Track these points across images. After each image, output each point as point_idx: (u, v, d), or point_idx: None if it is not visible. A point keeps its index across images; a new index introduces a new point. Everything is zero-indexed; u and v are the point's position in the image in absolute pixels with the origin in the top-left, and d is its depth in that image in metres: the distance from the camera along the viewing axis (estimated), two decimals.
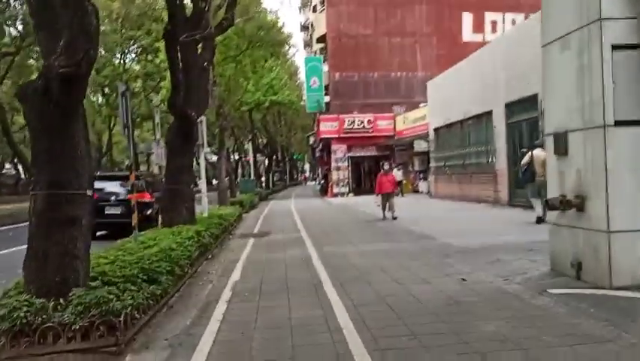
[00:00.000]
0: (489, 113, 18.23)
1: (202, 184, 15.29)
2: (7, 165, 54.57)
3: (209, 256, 9.72)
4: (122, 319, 4.29)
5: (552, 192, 6.35)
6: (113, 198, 14.32)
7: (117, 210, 14.07)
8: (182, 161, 11.33)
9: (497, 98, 17.41)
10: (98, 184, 14.94)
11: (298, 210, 22.00)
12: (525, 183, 12.75)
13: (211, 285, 7.11)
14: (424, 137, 26.25)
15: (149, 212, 14.45)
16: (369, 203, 23.49)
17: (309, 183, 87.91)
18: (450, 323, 4.65)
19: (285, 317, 5.18)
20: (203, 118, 14.63)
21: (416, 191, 29.39)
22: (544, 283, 5.83)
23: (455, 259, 7.83)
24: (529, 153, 12.04)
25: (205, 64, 12.77)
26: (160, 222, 11.57)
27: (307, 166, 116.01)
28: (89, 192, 4.93)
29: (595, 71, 5.53)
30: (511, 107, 16.67)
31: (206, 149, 15.08)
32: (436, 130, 24.37)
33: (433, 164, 24.62)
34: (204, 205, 14.77)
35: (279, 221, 17.14)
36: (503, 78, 16.96)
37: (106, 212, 13.99)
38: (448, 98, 22.42)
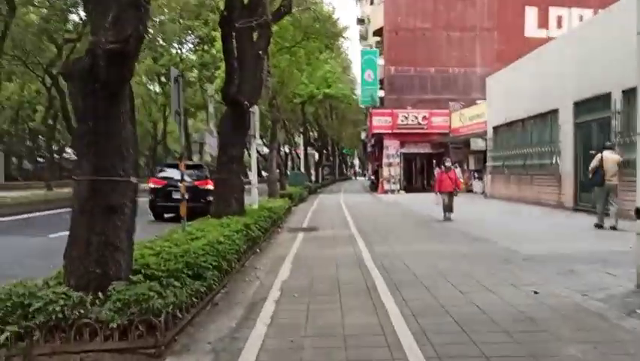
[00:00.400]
0: (555, 112, 17.19)
1: (253, 176, 15.05)
2: (68, 150, 56.60)
3: (258, 250, 9.40)
4: (162, 318, 3.95)
5: None
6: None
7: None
8: (233, 151, 11.06)
9: (565, 96, 16.37)
10: (167, 171, 16.70)
11: (348, 205, 21.55)
12: (592, 186, 12.03)
13: (258, 282, 6.76)
14: (482, 135, 25.23)
15: (211, 198, 14.92)
16: (422, 201, 22.98)
17: (358, 178, 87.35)
18: (525, 344, 4.08)
19: (338, 324, 4.73)
20: (255, 108, 14.38)
21: (470, 191, 28.34)
22: (631, 303, 5.14)
23: (520, 267, 7.19)
24: (599, 155, 11.40)
25: (260, 52, 12.45)
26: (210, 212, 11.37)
27: (356, 161, 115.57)
28: (134, 180, 4.62)
29: None
30: (580, 106, 15.62)
31: (258, 140, 14.81)
32: (494, 128, 23.34)
33: (490, 163, 23.62)
34: (254, 197, 14.55)
35: (328, 216, 16.74)
36: (573, 75, 15.90)
37: (173, 196, 14.99)
38: (508, 95, 21.39)
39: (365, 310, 5.19)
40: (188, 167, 15.42)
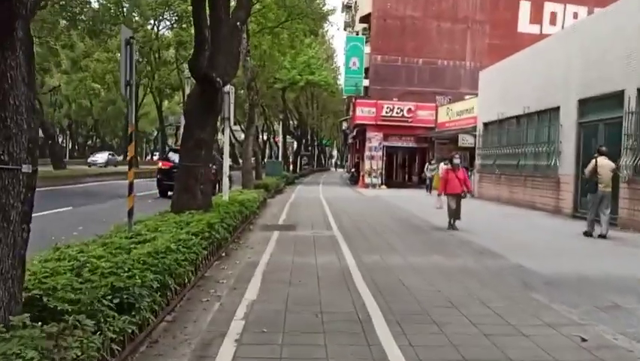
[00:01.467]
0: (555, 110, 15.95)
1: (225, 163, 13.47)
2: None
3: (223, 254, 7.89)
4: None
5: None
6: None
7: None
8: (201, 134, 9.49)
9: (567, 94, 15.12)
10: (175, 155, 17.53)
11: (328, 199, 20.10)
12: (586, 193, 11.25)
13: (218, 304, 5.25)
14: (471, 131, 23.98)
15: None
16: (407, 198, 21.64)
17: (338, 169, 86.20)
18: None
19: None
20: (231, 88, 12.80)
21: None
22: None
23: (546, 295, 5.81)
24: (593, 160, 10.69)
25: (238, 24, 10.86)
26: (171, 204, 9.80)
27: (335, 152, 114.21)
28: (26, 169, 3.06)
29: None
30: (586, 105, 14.38)
31: (235, 125, 13.24)
32: (485, 125, 22.10)
33: (478, 161, 22.39)
34: (225, 188, 13.01)
35: (307, 211, 15.26)
36: (578, 72, 14.66)
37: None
38: (503, 90, 20.13)
39: None
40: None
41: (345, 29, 55.66)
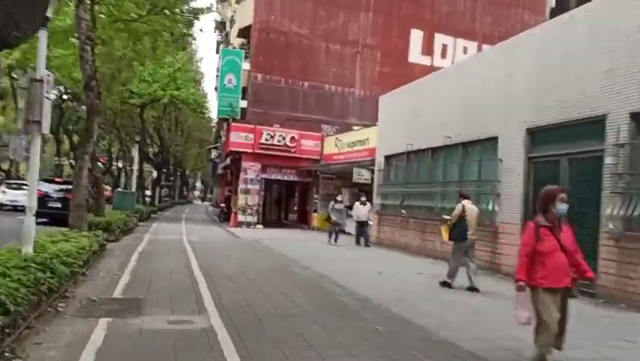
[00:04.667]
0: (491, 141, 12.81)
1: (30, 193, 8.05)
2: None
3: None
4: None
5: None
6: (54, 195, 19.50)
7: (58, 204, 18.83)
8: None
9: (510, 121, 12.05)
10: (43, 185, 18.41)
11: (194, 245, 15.12)
12: (453, 240, 9.82)
13: None
14: (368, 165, 20.54)
15: None
16: (294, 243, 17.22)
17: (204, 202, 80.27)
18: None
19: None
20: (47, 76, 7.75)
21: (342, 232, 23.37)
22: None
23: None
24: (460, 204, 9.80)
25: None
26: None
27: (198, 184, 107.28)
28: None
29: None
30: (539, 135, 11.31)
31: (45, 130, 7.94)
32: (387, 158, 18.72)
33: (378, 201, 18.83)
34: (27, 232, 7.60)
35: (163, 268, 10.27)
36: (528, 91, 11.62)
37: (48, 205, 18.38)
38: (413, 117, 16.88)
39: None
40: (63, 182, 21.05)
41: (217, 51, 51.03)
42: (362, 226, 17.62)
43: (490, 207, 12.42)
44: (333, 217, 17.91)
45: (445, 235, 10.07)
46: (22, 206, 14.49)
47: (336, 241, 17.57)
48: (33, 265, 6.39)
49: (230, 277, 9.53)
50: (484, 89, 13.26)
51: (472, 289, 9.30)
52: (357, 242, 17.64)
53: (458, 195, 10.52)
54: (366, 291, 8.63)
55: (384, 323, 6.48)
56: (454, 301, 8.35)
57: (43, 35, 8.02)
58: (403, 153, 17.28)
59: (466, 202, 9.80)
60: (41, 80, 7.77)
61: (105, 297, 7.34)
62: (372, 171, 20.00)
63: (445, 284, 9.66)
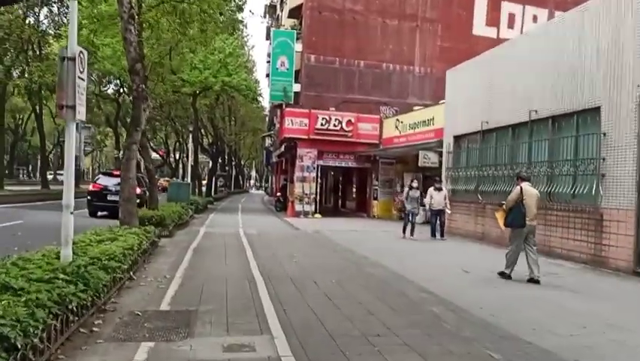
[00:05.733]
0: (591, 112, 10.92)
1: (66, 186, 6.94)
2: None
3: None
4: None
5: None
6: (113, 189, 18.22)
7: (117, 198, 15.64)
8: None
9: (618, 87, 10.13)
10: (102, 178, 20.43)
11: (251, 239, 14.00)
12: (510, 227, 8.91)
13: None
14: (435, 147, 18.82)
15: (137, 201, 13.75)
16: (362, 235, 15.61)
17: (258, 191, 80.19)
18: None
19: None
20: (80, 52, 6.60)
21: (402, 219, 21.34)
22: None
23: None
24: (518, 187, 8.95)
25: None
26: None
27: (254, 173, 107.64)
28: None
29: None
30: None
31: (81, 116, 6.86)
32: (457, 138, 16.96)
33: (448, 187, 17.09)
34: (65, 233, 6.46)
35: (217, 269, 9.09)
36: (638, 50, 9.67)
37: (108, 198, 18.79)
38: (488, 91, 15.04)
39: None
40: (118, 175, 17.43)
41: (267, 37, 49.92)
42: (437, 215, 15.27)
43: (589, 189, 10.57)
44: (408, 206, 15.40)
45: (501, 221, 9.12)
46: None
47: (412, 233, 15.22)
48: (61, 275, 5.26)
49: (294, 280, 8.21)
50: (581, 52, 11.31)
51: (533, 280, 8.57)
52: (433, 234, 15.32)
53: (516, 177, 9.65)
54: (457, 297, 7.12)
55: (498, 347, 4.98)
56: (575, 310, 6.70)
57: (74, 5, 6.87)
58: (476, 132, 15.49)
59: (525, 185, 8.98)
60: (73, 59, 6.63)
61: (151, 309, 6.17)
62: (440, 154, 18.28)
63: (502, 275, 8.99)
